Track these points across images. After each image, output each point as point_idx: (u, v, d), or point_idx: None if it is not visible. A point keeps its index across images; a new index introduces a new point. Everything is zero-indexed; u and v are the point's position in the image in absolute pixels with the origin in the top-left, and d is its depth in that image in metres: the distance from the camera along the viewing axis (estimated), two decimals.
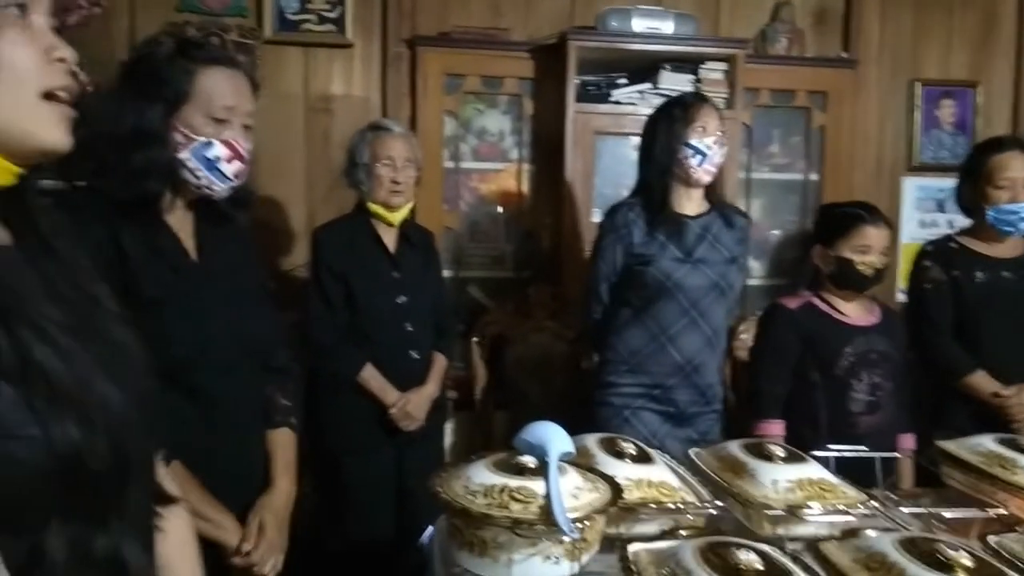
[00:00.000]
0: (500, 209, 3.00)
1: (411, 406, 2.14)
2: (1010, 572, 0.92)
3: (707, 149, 1.96)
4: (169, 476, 1.18)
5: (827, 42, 3.18)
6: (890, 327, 2.03)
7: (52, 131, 0.66)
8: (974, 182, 2.13)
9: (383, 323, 2.17)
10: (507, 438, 1.13)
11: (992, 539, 1.09)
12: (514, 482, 0.98)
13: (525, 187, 2.98)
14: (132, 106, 1.21)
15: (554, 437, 1.07)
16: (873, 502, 1.20)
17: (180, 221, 1.31)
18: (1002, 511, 1.26)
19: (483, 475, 1.00)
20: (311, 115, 2.90)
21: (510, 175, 2.99)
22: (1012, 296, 2.08)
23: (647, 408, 1.98)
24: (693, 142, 1.95)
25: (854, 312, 2.01)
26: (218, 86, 1.26)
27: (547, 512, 0.93)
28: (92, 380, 0.62)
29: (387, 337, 2.16)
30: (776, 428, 1.97)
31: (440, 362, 2.26)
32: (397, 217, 2.21)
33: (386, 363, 2.14)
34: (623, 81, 2.85)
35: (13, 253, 0.66)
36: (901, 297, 2.96)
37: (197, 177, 1.26)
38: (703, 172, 1.98)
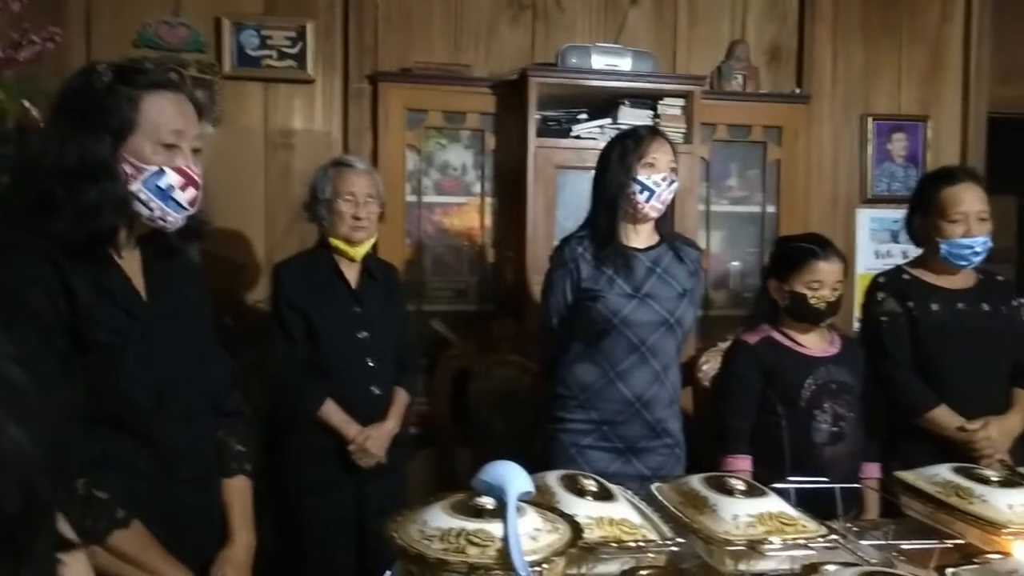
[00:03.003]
0: (463, 243, 3.00)
1: (371, 442, 2.11)
2: None
3: (655, 186, 1.93)
4: (129, 538, 1.13)
5: (781, 78, 3.27)
6: (850, 357, 2.05)
7: None
8: (925, 214, 2.12)
9: (344, 358, 2.14)
10: (471, 474, 1.11)
11: (949, 571, 1.09)
12: (471, 525, 0.96)
13: (488, 220, 2.99)
14: (76, 140, 1.15)
15: (513, 477, 1.05)
16: (833, 535, 1.20)
17: (128, 259, 1.25)
18: (960, 541, 1.27)
19: (439, 518, 0.98)
20: (271, 150, 2.88)
21: (472, 209, 3.00)
22: (968, 328, 2.06)
23: (595, 446, 1.95)
24: (641, 178, 1.93)
25: (813, 343, 2.04)
26: (164, 111, 1.20)
27: (505, 556, 0.91)
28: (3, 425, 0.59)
29: (348, 372, 2.14)
30: (743, 463, 1.97)
31: (402, 398, 2.23)
32: (359, 252, 2.20)
33: (347, 399, 2.12)
34: (583, 116, 2.89)
35: None
36: (857, 326, 3.01)
37: (151, 209, 1.20)
38: (650, 208, 1.96)
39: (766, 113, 3.09)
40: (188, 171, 1.22)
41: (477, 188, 2.99)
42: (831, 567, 1.10)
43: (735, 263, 3.17)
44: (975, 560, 1.12)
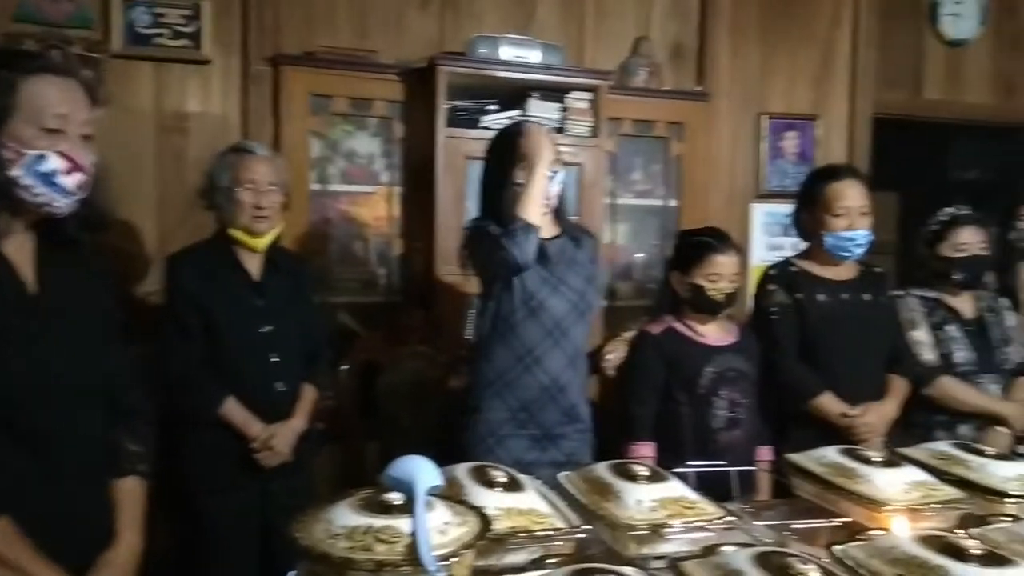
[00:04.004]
0: (370, 233, 2.94)
1: (275, 440, 2.04)
2: None
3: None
4: None
5: (683, 76, 3.36)
6: (747, 345, 2.16)
7: None
8: (812, 209, 2.22)
9: (245, 354, 2.07)
10: (379, 469, 1.09)
11: (837, 548, 1.16)
12: (379, 522, 0.94)
13: (396, 210, 2.94)
14: None
15: (422, 471, 1.04)
16: (730, 516, 1.25)
17: (18, 248, 1.21)
18: (846, 519, 1.34)
19: (346, 516, 0.95)
20: (163, 134, 2.74)
21: (381, 198, 2.94)
22: (851, 318, 2.17)
23: (513, 434, 1.97)
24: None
25: (712, 333, 2.13)
26: (46, 94, 1.17)
27: (413, 551, 0.90)
28: None
29: (250, 369, 2.06)
30: (647, 449, 2.05)
31: (309, 394, 2.17)
32: (261, 243, 2.12)
33: (249, 396, 2.04)
34: (493, 107, 2.88)
35: None
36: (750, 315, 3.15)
37: (35, 195, 1.17)
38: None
39: (669, 109, 3.18)
40: (72, 156, 1.19)
41: (385, 177, 2.94)
42: (728, 548, 1.14)
43: (639, 255, 3.25)
44: (859, 537, 1.19)
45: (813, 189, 2.25)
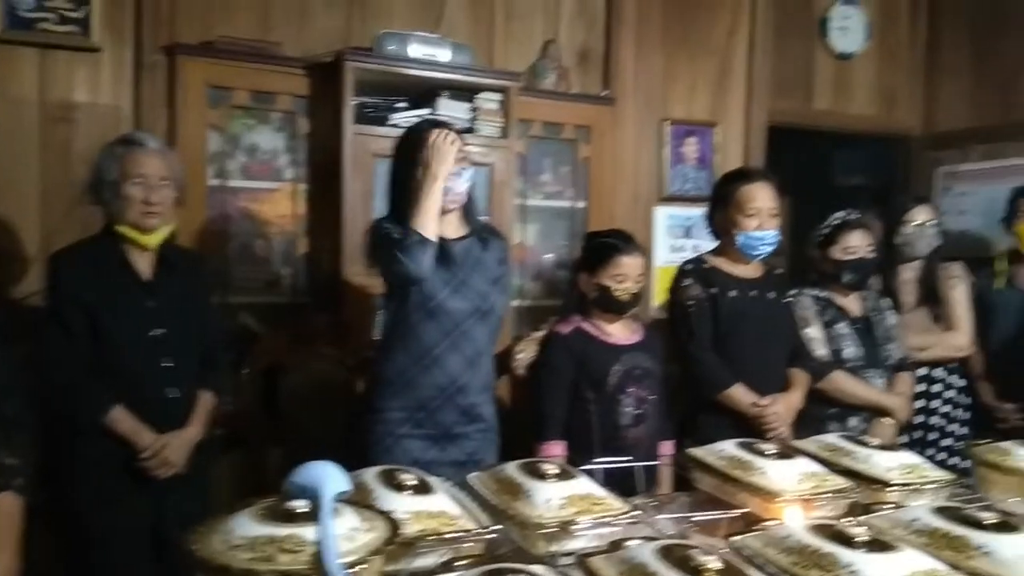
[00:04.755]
0: (273, 231, 2.85)
1: (168, 450, 1.94)
2: (751, 572, 1.02)
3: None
4: None
5: (590, 80, 3.42)
6: (651, 344, 2.23)
7: None
8: (724, 209, 2.31)
9: (135, 358, 1.96)
10: (283, 476, 1.06)
11: (734, 539, 1.20)
12: (282, 531, 0.91)
13: (301, 208, 2.86)
14: None
15: (328, 477, 1.01)
16: (636, 511, 1.28)
17: None
18: (744, 510, 1.40)
19: (247, 527, 0.92)
20: (48, 125, 2.56)
21: (284, 195, 2.86)
22: (759, 314, 2.27)
23: (410, 435, 1.97)
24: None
25: (619, 332, 2.19)
26: None
27: (319, 561, 0.88)
28: None
29: (139, 374, 1.96)
30: (558, 448, 2.09)
31: (206, 400, 2.08)
32: (152, 240, 2.01)
33: (139, 404, 1.94)
34: (402, 105, 2.85)
35: None
36: (654, 315, 3.25)
37: None
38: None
39: (576, 113, 3.23)
40: None
41: (289, 173, 2.86)
42: (634, 542, 1.17)
43: (549, 255, 3.28)
44: (755, 527, 1.24)
45: (726, 190, 2.33)
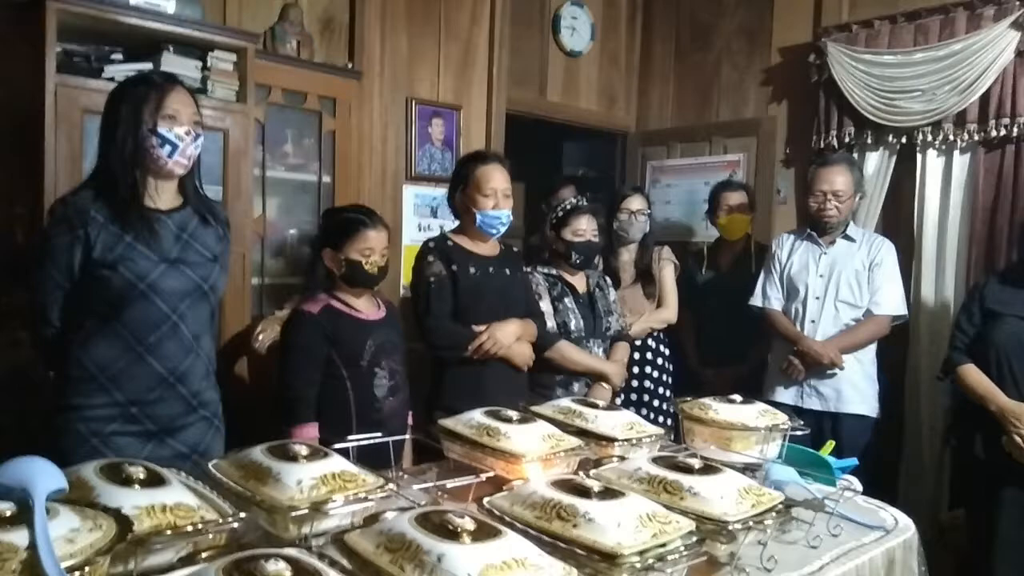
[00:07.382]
0: None
1: None
2: (503, 528, 1.08)
3: (178, 140, 1.75)
4: None
5: (335, 50, 3.32)
6: (394, 319, 2.27)
7: None
8: (464, 189, 2.42)
9: None
10: None
11: (486, 500, 1.26)
12: None
13: None
14: None
15: (39, 474, 0.89)
16: (390, 484, 1.29)
17: None
18: (491, 474, 1.47)
19: None
20: None
21: None
22: (496, 289, 2.41)
23: (122, 432, 1.73)
24: (162, 131, 1.74)
25: (366, 308, 2.20)
26: None
27: (33, 567, 0.76)
28: None
29: None
30: (311, 430, 2.03)
31: None
32: None
33: None
34: (118, 56, 2.53)
35: None
36: (403, 292, 3.28)
37: None
38: (174, 164, 1.77)
39: (321, 83, 3.11)
40: None
41: None
42: (389, 514, 1.18)
43: (292, 231, 3.14)
44: (504, 488, 1.32)
45: (465, 171, 2.45)
